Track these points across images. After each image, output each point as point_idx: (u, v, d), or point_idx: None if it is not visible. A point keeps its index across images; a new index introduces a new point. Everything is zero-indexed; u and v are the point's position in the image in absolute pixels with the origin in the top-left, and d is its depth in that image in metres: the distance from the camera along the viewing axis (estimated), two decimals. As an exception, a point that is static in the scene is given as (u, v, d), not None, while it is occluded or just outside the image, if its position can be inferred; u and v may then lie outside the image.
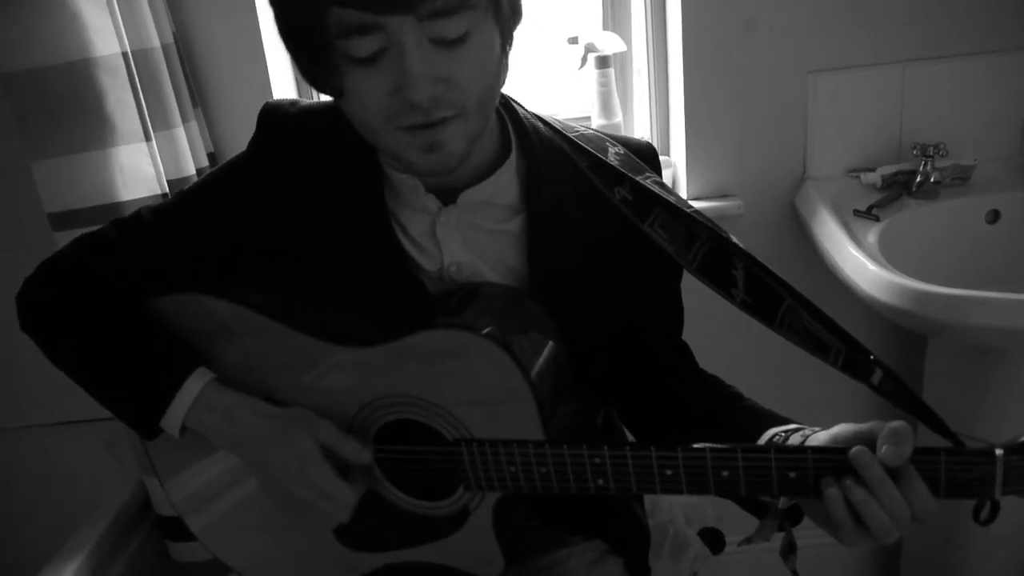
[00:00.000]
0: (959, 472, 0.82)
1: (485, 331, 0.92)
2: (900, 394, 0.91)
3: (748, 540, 0.93)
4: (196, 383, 0.99)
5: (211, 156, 1.69)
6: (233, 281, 1.07)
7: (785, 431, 0.92)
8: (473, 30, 0.85)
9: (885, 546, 1.13)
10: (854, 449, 0.82)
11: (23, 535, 1.90)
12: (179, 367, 1.00)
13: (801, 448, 0.86)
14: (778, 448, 0.87)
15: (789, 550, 0.93)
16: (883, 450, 0.81)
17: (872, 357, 0.91)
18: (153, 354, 1.02)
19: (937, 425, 0.89)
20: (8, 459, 1.90)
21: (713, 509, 1.36)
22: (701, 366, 1.16)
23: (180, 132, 1.58)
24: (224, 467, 1.09)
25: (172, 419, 1.00)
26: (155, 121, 1.54)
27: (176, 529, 1.68)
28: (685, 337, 1.17)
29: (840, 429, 0.86)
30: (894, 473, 0.81)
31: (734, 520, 1.07)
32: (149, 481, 1.65)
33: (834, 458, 0.84)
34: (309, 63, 0.87)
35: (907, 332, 1.59)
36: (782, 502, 0.92)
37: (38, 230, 1.52)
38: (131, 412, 1.03)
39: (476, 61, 0.87)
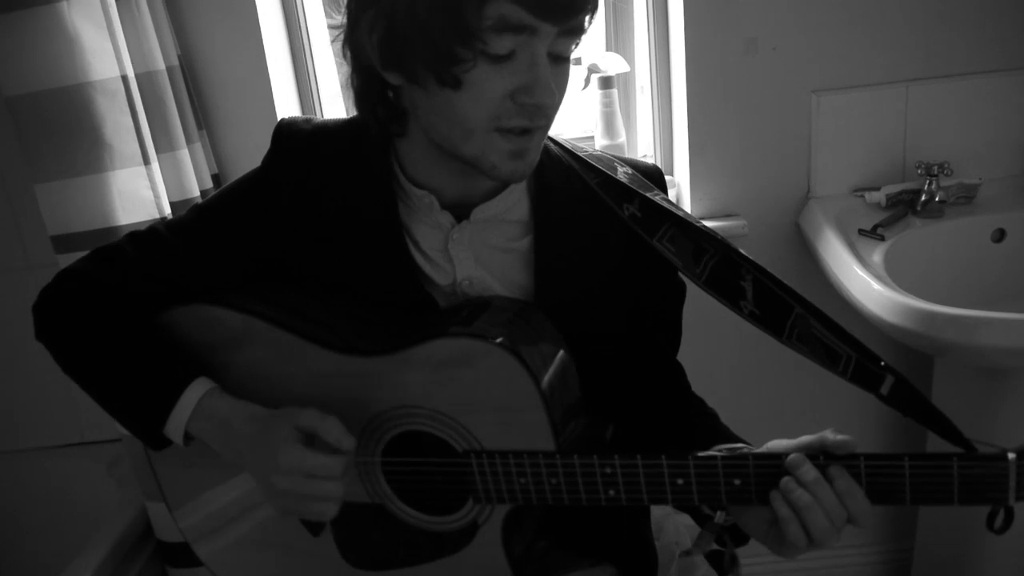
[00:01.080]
0: (972, 477, 0.82)
1: (496, 340, 0.92)
2: (910, 402, 0.91)
3: (687, 552, 0.97)
4: (195, 392, 0.99)
5: (215, 177, 1.70)
6: (244, 292, 1.07)
7: (728, 447, 0.94)
8: (572, 55, 0.92)
9: (898, 559, 1.12)
10: (790, 456, 0.86)
11: (24, 559, 1.88)
12: (179, 377, 1.00)
13: (743, 455, 0.89)
14: (756, 456, 0.88)
15: (732, 563, 0.97)
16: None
17: (883, 363, 0.92)
18: (156, 365, 1.02)
19: (949, 431, 0.89)
20: (8, 482, 1.88)
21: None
22: (704, 382, 1.17)
23: (184, 154, 1.59)
24: (232, 494, 1.08)
25: (175, 428, 1.00)
26: (159, 143, 1.54)
27: (177, 555, 1.65)
28: (686, 353, 1.18)
29: (774, 444, 0.90)
30: (827, 476, 0.85)
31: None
32: (151, 506, 1.63)
33: (773, 463, 0.88)
34: (445, 48, 0.86)
35: (913, 352, 1.57)
36: (718, 516, 0.95)
37: (42, 251, 1.52)
38: (135, 421, 1.03)
39: (567, 79, 0.94)
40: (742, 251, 0.99)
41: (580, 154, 1.07)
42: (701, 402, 1.15)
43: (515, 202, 1.04)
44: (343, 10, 0.94)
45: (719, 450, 0.92)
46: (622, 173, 1.05)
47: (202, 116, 1.67)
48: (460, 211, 1.03)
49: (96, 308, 1.06)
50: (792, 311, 0.95)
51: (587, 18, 0.89)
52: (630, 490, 0.91)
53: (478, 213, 1.02)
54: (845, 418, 1.82)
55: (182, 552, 1.13)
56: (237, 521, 1.10)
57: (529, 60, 0.87)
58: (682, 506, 0.97)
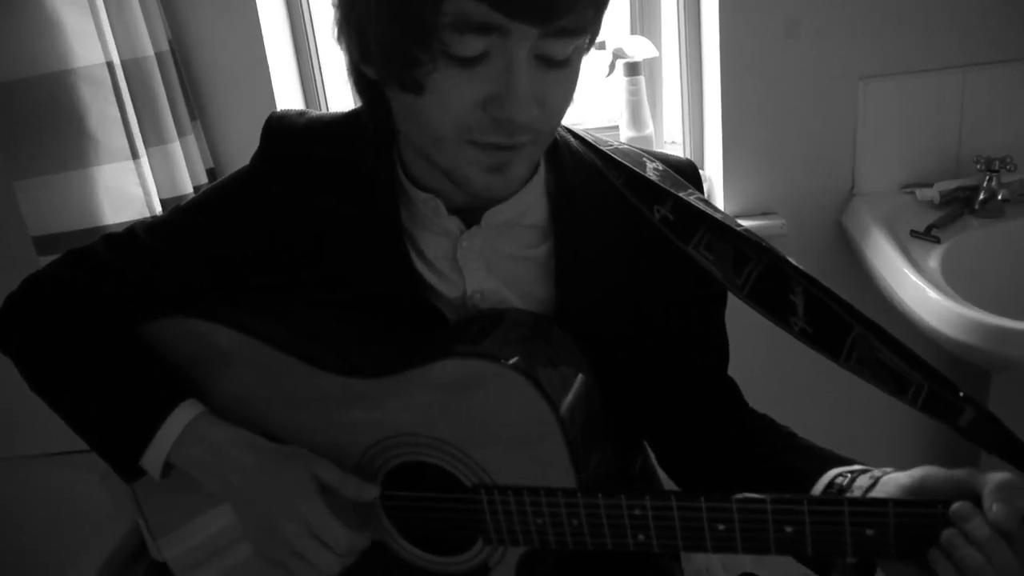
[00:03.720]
0: None
1: (510, 361, 0.85)
2: (994, 437, 0.83)
3: None
4: (184, 415, 0.94)
5: (210, 172, 1.66)
6: (231, 305, 1.02)
7: (850, 472, 0.86)
8: (574, 55, 0.83)
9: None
10: (956, 505, 0.75)
11: (14, 571, 1.85)
12: (166, 398, 0.95)
13: (880, 501, 0.78)
14: (852, 500, 0.79)
15: None
16: (993, 509, 0.73)
17: (962, 394, 0.84)
18: (139, 384, 0.97)
19: None
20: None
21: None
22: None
23: (176, 147, 1.56)
24: (221, 525, 1.03)
25: (155, 455, 0.94)
26: (149, 136, 1.51)
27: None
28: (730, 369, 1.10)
29: (926, 473, 0.79)
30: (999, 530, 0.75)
31: (773, 564, 1.00)
32: (143, 523, 1.55)
33: (923, 512, 0.76)
34: (400, 48, 0.79)
35: (965, 365, 1.50)
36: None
37: (24, 250, 1.48)
38: (111, 446, 0.97)
39: (569, 86, 0.86)
40: (792, 260, 0.91)
41: (604, 149, 0.99)
42: (769, 421, 1.05)
43: (531, 204, 0.97)
44: None
45: (835, 478, 0.85)
46: (651, 170, 0.98)
47: (196, 106, 1.63)
48: (469, 216, 0.96)
49: (68, 316, 1.01)
50: (851, 330, 0.88)
51: (583, 15, 0.78)
52: (663, 535, 0.84)
53: (490, 217, 0.95)
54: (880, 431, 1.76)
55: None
56: (225, 555, 1.04)
57: (504, 65, 0.78)
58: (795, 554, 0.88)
